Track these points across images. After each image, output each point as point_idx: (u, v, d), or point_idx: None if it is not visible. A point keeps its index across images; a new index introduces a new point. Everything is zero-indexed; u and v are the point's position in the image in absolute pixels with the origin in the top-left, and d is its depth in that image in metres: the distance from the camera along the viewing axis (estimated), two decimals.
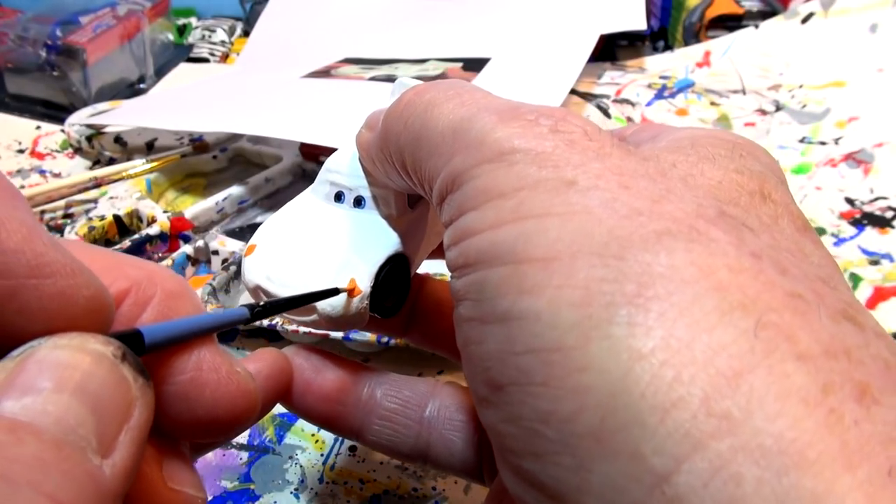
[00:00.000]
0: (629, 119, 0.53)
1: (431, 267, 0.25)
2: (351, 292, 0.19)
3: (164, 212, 0.41)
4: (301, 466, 0.30)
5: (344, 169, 0.21)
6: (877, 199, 0.44)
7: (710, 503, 0.10)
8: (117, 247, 0.39)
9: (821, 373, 0.10)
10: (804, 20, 0.60)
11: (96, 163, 0.50)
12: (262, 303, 0.19)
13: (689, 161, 0.14)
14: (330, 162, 0.22)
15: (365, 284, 0.19)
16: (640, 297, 0.11)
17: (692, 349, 0.10)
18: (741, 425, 0.10)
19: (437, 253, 0.23)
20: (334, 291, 0.19)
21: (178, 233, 0.40)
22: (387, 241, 0.21)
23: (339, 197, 0.21)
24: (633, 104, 0.56)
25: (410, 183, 0.17)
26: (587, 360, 0.11)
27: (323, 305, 0.19)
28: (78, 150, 0.51)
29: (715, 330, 0.11)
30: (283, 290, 0.19)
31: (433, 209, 0.21)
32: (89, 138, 0.50)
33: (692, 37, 0.62)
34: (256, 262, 0.20)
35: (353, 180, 0.21)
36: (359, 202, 0.21)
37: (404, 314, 0.23)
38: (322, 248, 0.20)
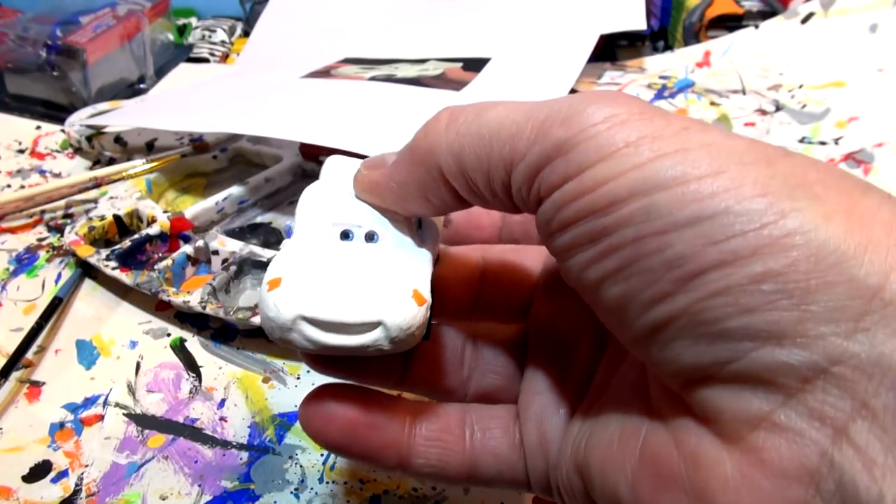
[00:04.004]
0: None
1: None
2: (418, 301, 0.19)
3: (164, 212, 0.41)
4: (301, 466, 0.30)
5: (348, 210, 0.21)
6: None
7: None
8: (117, 247, 0.39)
9: None
10: (804, 20, 0.60)
11: (96, 163, 0.50)
12: (316, 333, 0.18)
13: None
14: (326, 206, 0.21)
15: (427, 293, 0.19)
16: (801, 185, 0.14)
17: (859, 208, 0.14)
18: None
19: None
20: (403, 302, 0.19)
21: (178, 233, 0.40)
22: (423, 261, 0.21)
23: (346, 235, 0.21)
24: None
25: (464, 182, 0.18)
26: (788, 227, 0.14)
27: (394, 318, 0.18)
28: (78, 150, 0.51)
29: (864, 195, 0.15)
30: (338, 313, 0.18)
31: (438, 229, 0.22)
32: (89, 138, 0.50)
33: (692, 37, 0.62)
34: (290, 293, 0.19)
35: (360, 218, 0.21)
36: (371, 237, 0.21)
37: (399, 362, 0.23)
38: (362, 272, 0.19)
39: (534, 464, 0.21)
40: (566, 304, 0.22)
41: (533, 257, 0.24)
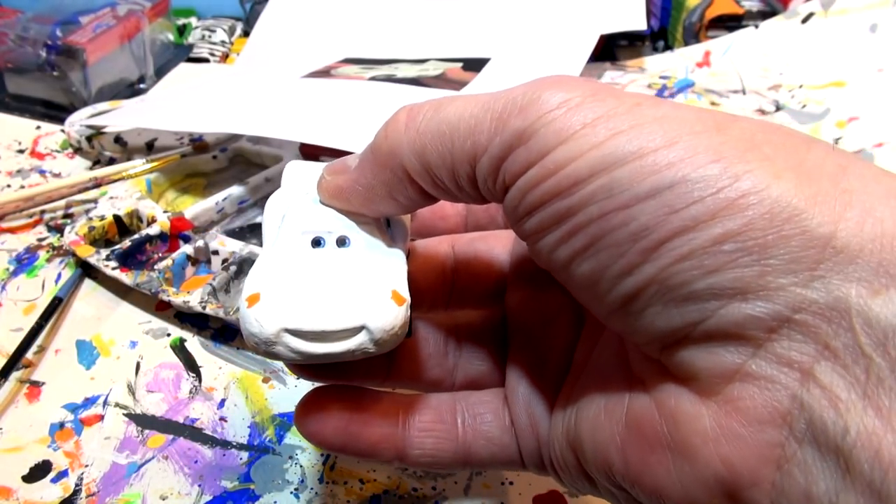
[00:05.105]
0: None
1: None
2: (398, 302, 0.19)
3: (164, 212, 0.41)
4: (301, 466, 0.30)
5: (316, 218, 0.21)
6: None
7: (867, 241, 0.14)
8: (117, 247, 0.39)
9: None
10: (804, 20, 0.60)
11: (96, 163, 0.50)
12: (301, 341, 0.18)
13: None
14: (293, 216, 0.21)
15: (405, 293, 0.19)
16: (751, 148, 0.15)
17: (807, 163, 0.15)
18: (859, 193, 0.14)
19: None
20: (384, 304, 0.19)
21: (178, 233, 0.40)
22: (397, 260, 0.21)
23: (317, 243, 0.21)
24: None
25: (429, 179, 0.19)
26: (742, 189, 0.14)
27: (376, 321, 0.19)
28: (78, 150, 0.51)
29: (809, 150, 0.15)
30: (321, 322, 0.18)
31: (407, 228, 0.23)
32: (89, 138, 0.50)
33: (692, 37, 0.62)
34: (270, 308, 0.19)
35: (329, 225, 0.21)
36: (342, 242, 0.21)
37: (383, 360, 0.23)
38: (340, 279, 0.20)
39: (526, 443, 0.22)
40: (538, 287, 0.23)
41: (501, 243, 0.25)
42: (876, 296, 0.14)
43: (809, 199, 0.14)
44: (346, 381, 0.23)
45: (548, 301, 0.23)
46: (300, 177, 0.23)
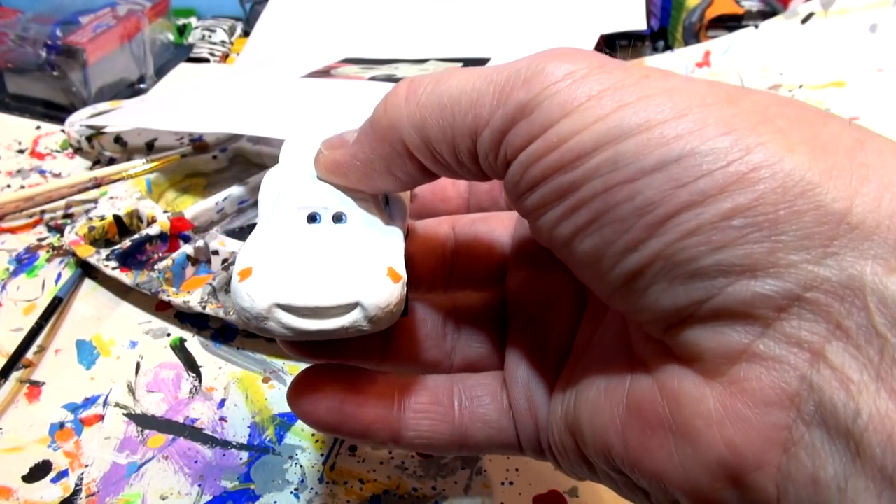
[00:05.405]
0: None
1: None
2: (394, 279, 0.19)
3: (164, 212, 0.41)
4: (301, 466, 0.30)
5: (309, 192, 0.21)
6: None
7: (884, 217, 0.13)
8: (117, 247, 0.39)
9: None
10: (804, 20, 0.60)
11: (96, 163, 0.50)
12: (295, 316, 0.18)
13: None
14: (289, 190, 0.21)
15: (402, 270, 0.19)
16: (764, 121, 0.15)
17: (822, 137, 0.14)
18: (877, 168, 0.14)
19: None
20: (379, 281, 0.18)
21: (178, 233, 0.40)
22: (394, 238, 0.20)
23: (313, 218, 0.20)
24: None
25: (429, 154, 0.18)
26: (754, 162, 0.14)
27: (371, 298, 0.18)
28: (78, 150, 0.51)
29: (825, 124, 0.15)
30: (314, 297, 0.18)
31: (406, 204, 0.22)
32: (89, 138, 0.50)
33: (692, 37, 0.62)
34: (262, 282, 0.18)
35: (326, 200, 0.20)
36: (339, 218, 0.20)
37: (380, 340, 0.23)
38: (335, 254, 0.19)
39: (524, 427, 0.22)
40: (540, 269, 0.22)
41: (503, 225, 0.24)
42: (892, 273, 0.13)
43: (824, 173, 0.14)
44: (341, 359, 0.22)
45: (549, 283, 0.22)
46: (298, 152, 0.23)
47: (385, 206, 0.21)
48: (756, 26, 0.60)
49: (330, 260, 0.19)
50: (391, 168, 0.19)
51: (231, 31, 0.68)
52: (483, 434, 0.22)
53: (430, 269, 0.24)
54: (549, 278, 0.22)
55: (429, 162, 0.18)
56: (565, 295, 0.22)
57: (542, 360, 0.22)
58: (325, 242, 0.19)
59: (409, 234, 0.23)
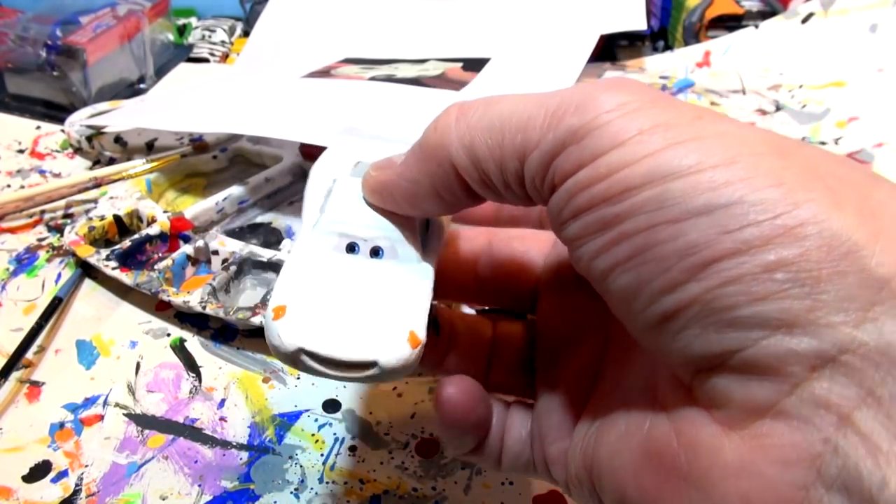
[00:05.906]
0: None
1: None
2: (413, 344, 0.19)
3: (164, 212, 0.41)
4: (301, 466, 0.30)
5: (355, 219, 0.21)
6: None
7: None
8: (117, 247, 0.39)
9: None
10: (804, 20, 0.60)
11: (96, 163, 0.50)
12: (317, 364, 0.19)
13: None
14: (333, 211, 0.21)
15: (422, 333, 0.20)
16: (815, 177, 0.15)
17: (871, 200, 0.15)
18: None
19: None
20: (399, 345, 0.19)
21: (178, 233, 0.40)
22: (423, 285, 0.21)
23: (352, 248, 0.21)
24: None
25: (476, 175, 0.18)
26: (801, 217, 0.14)
27: (388, 360, 0.19)
28: (78, 150, 0.51)
29: (875, 187, 0.15)
30: (337, 350, 0.19)
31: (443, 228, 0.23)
32: (89, 138, 0.50)
33: (692, 37, 0.62)
34: (293, 325, 0.19)
35: (369, 231, 0.21)
36: (376, 252, 0.21)
37: (441, 349, 0.24)
38: (364, 303, 0.20)
39: (540, 458, 0.22)
40: (570, 301, 0.22)
41: (538, 245, 0.24)
42: None
43: (871, 236, 0.14)
44: None
45: (577, 317, 0.22)
46: (349, 150, 0.23)
47: (424, 231, 0.22)
48: (756, 26, 0.61)
49: (358, 311, 0.20)
50: (437, 188, 0.19)
51: (231, 31, 0.68)
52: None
53: (460, 280, 0.24)
54: (577, 312, 0.22)
55: (475, 183, 0.19)
56: (592, 331, 0.22)
57: (565, 396, 0.22)
58: (358, 286, 0.20)
59: (447, 242, 0.24)
